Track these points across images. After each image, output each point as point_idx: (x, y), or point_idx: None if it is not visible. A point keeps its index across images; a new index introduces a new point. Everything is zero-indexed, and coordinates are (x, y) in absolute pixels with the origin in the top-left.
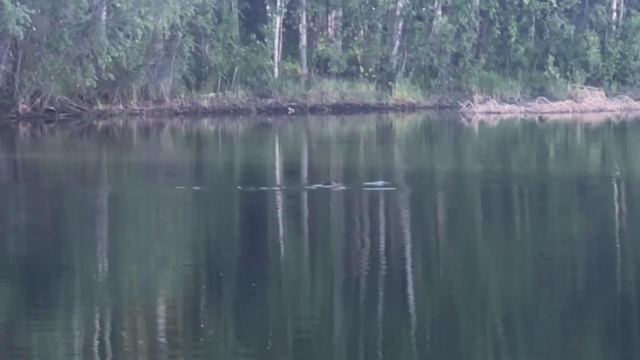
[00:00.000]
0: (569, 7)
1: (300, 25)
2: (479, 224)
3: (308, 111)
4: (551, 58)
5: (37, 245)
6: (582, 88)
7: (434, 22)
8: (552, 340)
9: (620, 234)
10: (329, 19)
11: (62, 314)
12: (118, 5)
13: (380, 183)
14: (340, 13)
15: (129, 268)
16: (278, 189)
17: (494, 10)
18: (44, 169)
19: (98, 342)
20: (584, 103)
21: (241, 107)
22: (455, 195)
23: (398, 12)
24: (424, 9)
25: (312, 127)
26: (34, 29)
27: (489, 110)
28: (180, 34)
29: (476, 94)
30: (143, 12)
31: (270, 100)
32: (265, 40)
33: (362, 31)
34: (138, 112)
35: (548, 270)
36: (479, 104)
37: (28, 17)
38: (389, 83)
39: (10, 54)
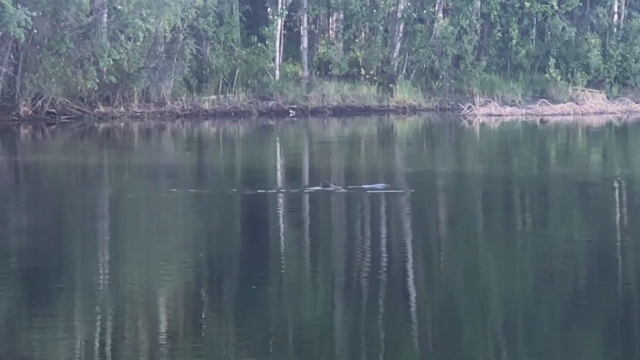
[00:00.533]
0: (570, 9)
1: (301, 28)
2: (480, 226)
3: (309, 113)
4: (552, 60)
5: (37, 248)
6: (583, 90)
7: (435, 25)
8: (553, 343)
9: (622, 236)
10: (330, 21)
11: (63, 317)
12: (119, 7)
13: (380, 185)
14: (342, 15)
15: (129, 270)
16: (275, 191)
17: (495, 13)
18: (45, 172)
19: (99, 345)
20: (585, 105)
21: (242, 109)
22: (456, 197)
23: (399, 15)
24: (425, 11)
25: (313, 130)
26: (35, 31)
27: (490, 112)
28: (181, 37)
29: (477, 96)
30: (144, 15)
31: (271, 103)
32: (267, 42)
33: (363, 33)
34: (139, 114)
35: (550, 273)
36: (480, 106)
37: (29, 19)
38: (390, 85)
39: (12, 57)
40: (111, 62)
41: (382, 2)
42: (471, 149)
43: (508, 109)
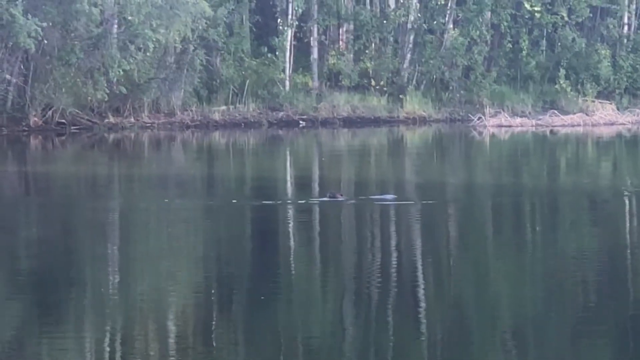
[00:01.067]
0: (580, 20)
1: (311, 39)
2: (490, 237)
3: (319, 124)
4: (562, 71)
5: (47, 258)
6: (594, 101)
7: (445, 35)
8: (563, 354)
9: (632, 247)
10: (341, 32)
11: (72, 327)
12: (129, 18)
13: (389, 196)
14: (352, 26)
15: (139, 281)
16: (281, 202)
17: (505, 24)
18: (55, 182)
19: (109, 355)
20: (595, 116)
21: (252, 120)
22: (466, 208)
23: (409, 26)
24: (435, 22)
25: (323, 140)
26: (46, 41)
27: (500, 123)
28: (191, 47)
29: (487, 107)
30: (154, 25)
31: (281, 114)
32: (277, 53)
33: (373, 44)
34: (149, 125)
35: (559, 284)
36: (490, 117)
37: (39, 30)
38: (400, 96)
39: (22, 67)
40: (121, 73)
41: (392, 13)
42: (481, 160)
43: (518, 120)
